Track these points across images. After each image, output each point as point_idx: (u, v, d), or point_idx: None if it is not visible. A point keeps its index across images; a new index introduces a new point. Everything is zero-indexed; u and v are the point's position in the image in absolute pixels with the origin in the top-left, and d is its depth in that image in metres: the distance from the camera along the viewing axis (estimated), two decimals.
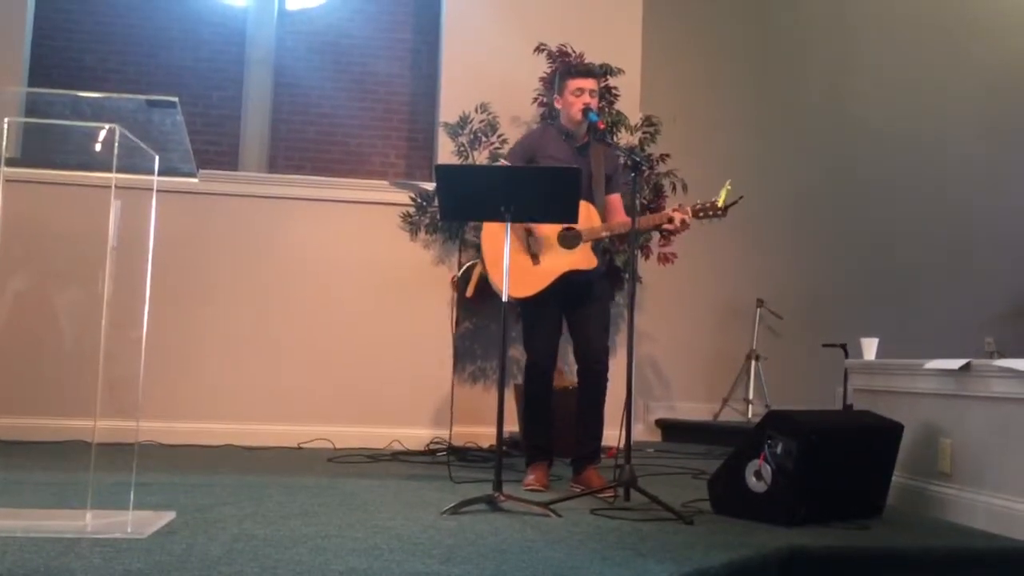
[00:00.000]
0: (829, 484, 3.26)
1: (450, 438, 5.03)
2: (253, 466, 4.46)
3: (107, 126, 2.74)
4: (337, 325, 5.65)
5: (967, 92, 7.38)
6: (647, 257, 5.79)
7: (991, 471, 3.30)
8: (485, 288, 4.04)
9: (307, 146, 6.46)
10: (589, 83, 4.02)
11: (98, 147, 2.77)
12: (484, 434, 5.33)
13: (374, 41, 6.56)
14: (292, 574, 2.22)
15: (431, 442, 5.35)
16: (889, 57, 7.39)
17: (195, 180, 3.18)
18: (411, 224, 5.76)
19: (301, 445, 5.39)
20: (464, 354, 5.89)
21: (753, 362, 6.79)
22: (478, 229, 4.22)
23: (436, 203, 5.33)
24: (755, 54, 7.29)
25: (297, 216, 5.75)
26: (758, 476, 3.24)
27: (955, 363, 3.44)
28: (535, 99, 5.80)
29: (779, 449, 3.20)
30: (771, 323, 7.01)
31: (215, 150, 6.29)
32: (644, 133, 5.76)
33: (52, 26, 6.17)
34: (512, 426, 5.10)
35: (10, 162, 2.78)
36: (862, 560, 2.89)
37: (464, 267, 5.34)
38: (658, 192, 5.69)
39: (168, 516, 2.82)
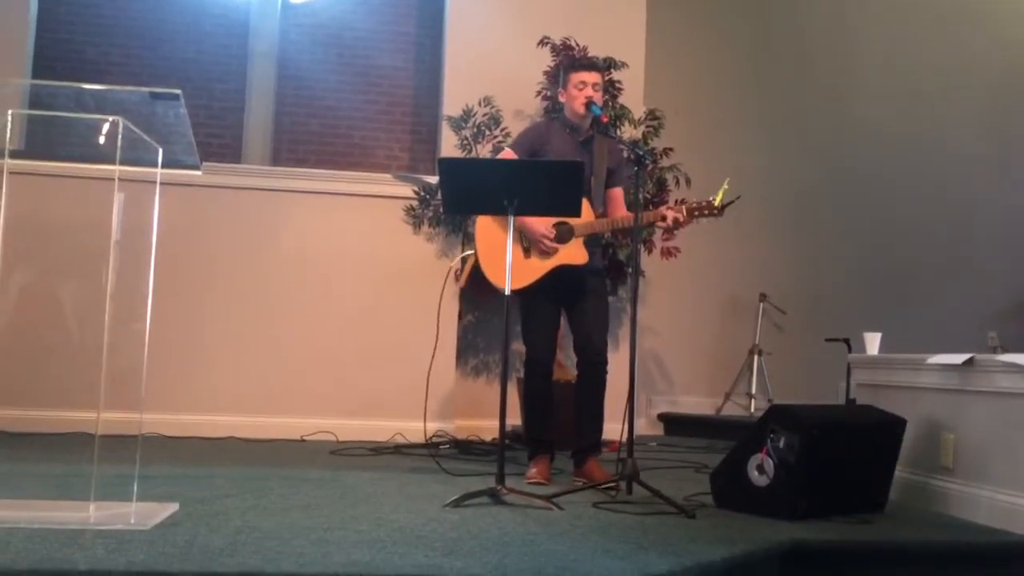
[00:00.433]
0: (831, 478, 3.25)
1: (426, 432, 5.03)
2: (256, 458, 4.47)
3: (110, 118, 2.73)
4: (340, 318, 5.66)
5: (968, 89, 7.36)
6: (650, 251, 5.80)
7: (994, 466, 3.30)
8: (481, 279, 4.04)
9: (310, 139, 6.46)
10: (592, 76, 4.01)
11: (102, 139, 2.76)
12: (487, 427, 5.33)
13: (378, 34, 6.56)
14: (295, 566, 2.22)
15: (433, 435, 5.36)
16: (890, 54, 7.38)
17: (198, 173, 3.18)
18: (414, 217, 5.76)
19: (304, 438, 5.39)
20: (467, 347, 5.90)
21: (756, 356, 6.79)
22: None
23: (439, 196, 5.33)
24: (758, 50, 7.28)
25: (300, 209, 5.74)
26: (760, 470, 3.24)
27: (958, 358, 3.44)
28: (538, 92, 5.79)
29: (781, 443, 3.20)
30: (774, 318, 7.01)
31: (218, 143, 6.29)
32: (647, 127, 5.76)
33: (55, 19, 6.18)
34: (515, 419, 5.11)
35: (14, 154, 2.78)
36: (864, 554, 2.90)
37: (459, 257, 5.35)
38: (661, 186, 5.69)
39: (171, 508, 2.82)
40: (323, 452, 4.81)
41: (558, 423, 4.09)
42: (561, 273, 3.90)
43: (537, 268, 3.90)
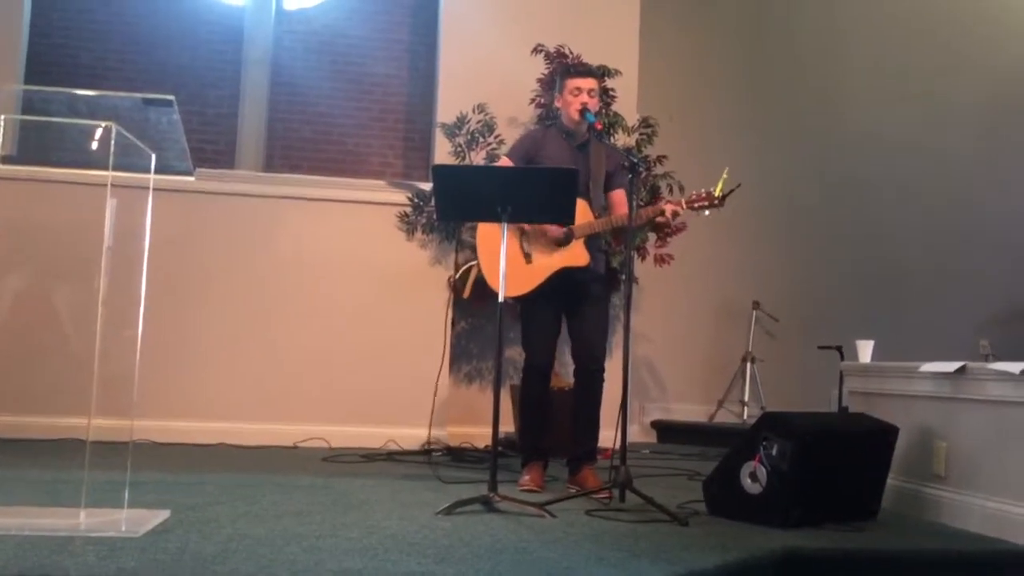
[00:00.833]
0: (824, 486, 3.26)
1: (430, 438, 5.02)
2: (248, 465, 4.46)
3: (103, 124, 2.73)
4: (333, 324, 5.65)
5: (959, 94, 7.38)
6: (643, 258, 5.80)
7: (986, 474, 3.30)
8: (483, 289, 4.05)
9: (304, 145, 6.46)
10: (587, 83, 4.02)
11: (94, 145, 2.76)
12: (480, 434, 5.33)
13: (371, 41, 6.56)
14: (287, 573, 2.22)
15: (426, 442, 5.35)
16: (882, 59, 7.40)
17: (191, 178, 3.18)
18: (408, 224, 5.76)
19: (296, 444, 5.38)
20: (460, 354, 5.89)
21: (749, 364, 6.81)
22: (474, 229, 4.23)
23: (433, 203, 5.33)
24: (751, 56, 7.30)
25: (293, 215, 5.74)
26: (753, 478, 3.24)
27: (950, 366, 3.45)
28: (532, 100, 5.80)
29: (774, 451, 3.20)
30: (767, 325, 7.02)
31: (212, 149, 6.28)
32: (641, 134, 5.77)
33: (49, 24, 6.17)
34: (508, 426, 5.11)
35: (6, 160, 2.77)
36: (856, 562, 2.90)
37: (462, 269, 5.35)
38: (655, 193, 5.69)
39: (162, 515, 2.82)
40: (315, 459, 4.80)
41: (553, 430, 4.08)
42: (564, 276, 3.90)
43: (540, 272, 3.90)
